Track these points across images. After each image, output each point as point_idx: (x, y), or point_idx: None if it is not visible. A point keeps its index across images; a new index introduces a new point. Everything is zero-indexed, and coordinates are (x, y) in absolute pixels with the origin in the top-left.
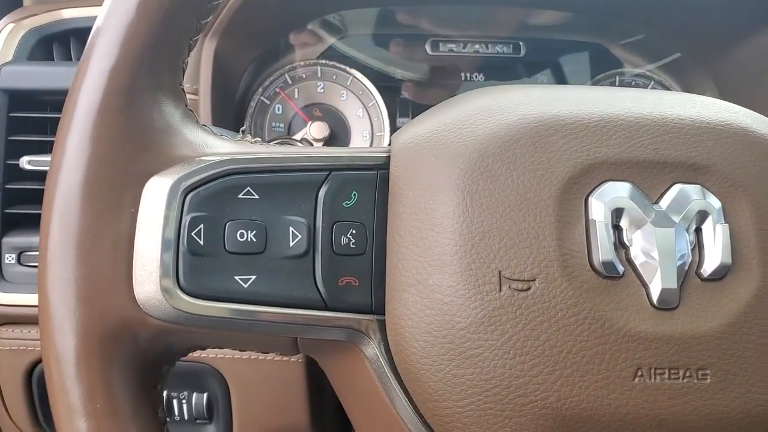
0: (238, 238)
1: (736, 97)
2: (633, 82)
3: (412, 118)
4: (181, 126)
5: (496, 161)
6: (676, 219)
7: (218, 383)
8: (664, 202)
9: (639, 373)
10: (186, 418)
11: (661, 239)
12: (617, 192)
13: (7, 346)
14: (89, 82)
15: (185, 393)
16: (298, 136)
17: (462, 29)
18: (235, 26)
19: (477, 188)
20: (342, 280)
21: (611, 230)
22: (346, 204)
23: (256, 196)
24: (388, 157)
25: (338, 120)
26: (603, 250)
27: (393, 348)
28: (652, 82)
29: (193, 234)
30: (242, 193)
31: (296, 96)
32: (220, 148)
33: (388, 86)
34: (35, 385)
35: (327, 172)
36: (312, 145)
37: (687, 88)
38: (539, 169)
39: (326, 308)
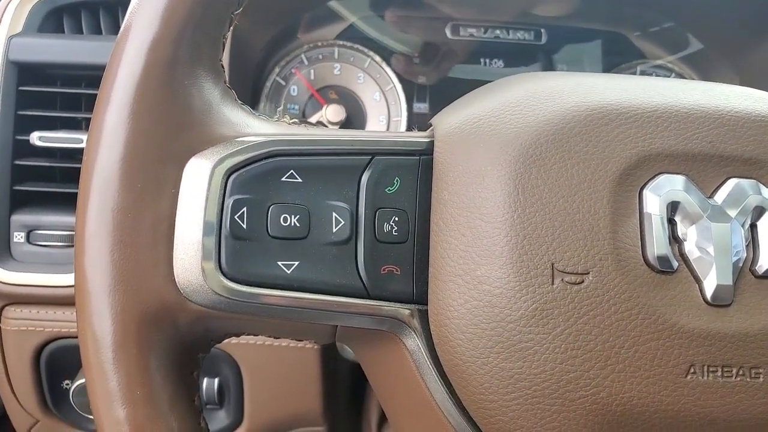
0: (282, 222)
1: None
2: (653, 73)
3: (430, 103)
4: (221, 104)
5: (549, 150)
6: (732, 214)
7: (230, 368)
8: (720, 197)
9: (692, 370)
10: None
11: (717, 235)
12: (672, 185)
13: (15, 327)
14: (129, 55)
15: None
16: (313, 119)
17: (466, 12)
18: (254, 2)
19: (529, 177)
20: (384, 268)
21: (666, 224)
22: (389, 190)
23: (300, 180)
24: (431, 142)
25: (354, 103)
26: (658, 244)
27: (436, 339)
28: (673, 74)
29: (236, 217)
30: (286, 176)
31: (312, 77)
32: (260, 129)
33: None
34: (43, 367)
35: (370, 157)
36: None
37: (708, 81)
38: (593, 160)
39: (368, 296)
